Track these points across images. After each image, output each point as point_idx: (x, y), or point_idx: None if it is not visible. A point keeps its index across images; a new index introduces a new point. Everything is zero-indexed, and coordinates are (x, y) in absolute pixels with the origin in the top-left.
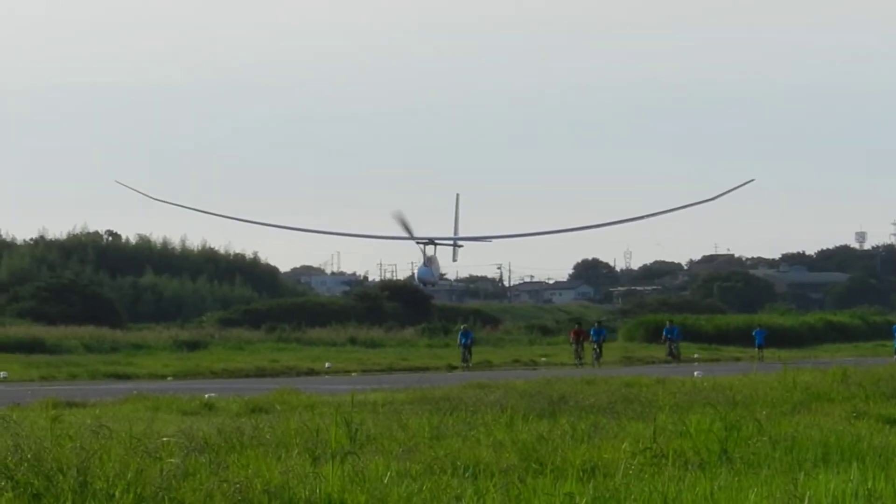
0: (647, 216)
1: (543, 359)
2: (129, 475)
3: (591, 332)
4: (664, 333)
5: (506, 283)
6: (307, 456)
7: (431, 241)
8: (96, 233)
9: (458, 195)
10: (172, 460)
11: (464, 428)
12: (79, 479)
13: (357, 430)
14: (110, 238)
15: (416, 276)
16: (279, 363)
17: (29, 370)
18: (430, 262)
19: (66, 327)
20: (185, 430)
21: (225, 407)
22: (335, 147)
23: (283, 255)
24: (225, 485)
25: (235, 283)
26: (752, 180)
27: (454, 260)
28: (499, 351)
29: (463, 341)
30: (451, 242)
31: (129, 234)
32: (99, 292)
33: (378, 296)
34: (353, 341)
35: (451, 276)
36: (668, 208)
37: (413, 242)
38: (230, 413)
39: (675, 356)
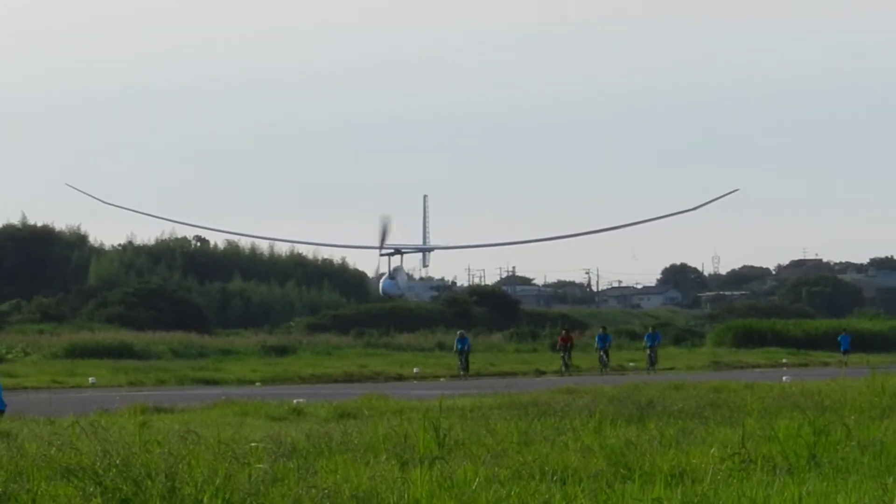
0: (626, 225)
1: (632, 364)
2: (217, 481)
3: (597, 339)
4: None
5: (594, 288)
6: (395, 461)
7: (398, 251)
8: (184, 238)
9: (425, 196)
10: (261, 466)
11: (552, 433)
12: (167, 485)
13: (445, 435)
14: (198, 243)
15: (380, 289)
16: (367, 368)
17: (117, 375)
18: (395, 273)
19: (155, 333)
20: (274, 436)
21: (313, 412)
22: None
23: (371, 260)
24: (313, 490)
25: (324, 288)
26: (736, 189)
27: (425, 265)
28: (587, 356)
29: (459, 347)
30: (419, 251)
31: (217, 239)
32: (187, 298)
33: (466, 301)
34: (441, 346)
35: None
36: (651, 217)
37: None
38: (318, 418)
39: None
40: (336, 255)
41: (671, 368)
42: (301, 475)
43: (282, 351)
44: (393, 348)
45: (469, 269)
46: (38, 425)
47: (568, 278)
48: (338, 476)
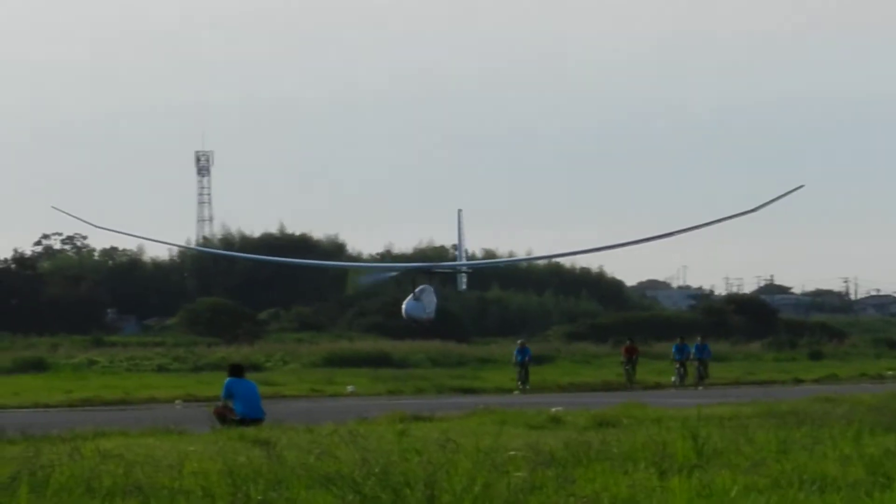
0: (679, 232)
1: (890, 372)
2: (476, 489)
3: (694, 349)
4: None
5: (852, 297)
6: (654, 470)
7: (429, 269)
8: (442, 247)
9: (459, 211)
10: (519, 474)
11: (810, 442)
12: (426, 493)
13: (704, 443)
14: (455, 252)
15: (403, 311)
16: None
17: (376, 384)
18: (420, 294)
19: (413, 342)
20: (532, 444)
21: (572, 421)
22: None
23: (628, 268)
24: (572, 499)
25: (581, 297)
26: (801, 186)
27: (460, 288)
28: (845, 365)
29: (519, 359)
30: (452, 269)
31: (475, 248)
32: (445, 307)
33: (724, 310)
34: None
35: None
36: (711, 220)
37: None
38: (577, 427)
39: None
40: (594, 264)
41: None
42: (560, 484)
43: (539, 360)
44: (652, 357)
45: (727, 278)
46: (297, 433)
47: (826, 286)
48: (596, 484)
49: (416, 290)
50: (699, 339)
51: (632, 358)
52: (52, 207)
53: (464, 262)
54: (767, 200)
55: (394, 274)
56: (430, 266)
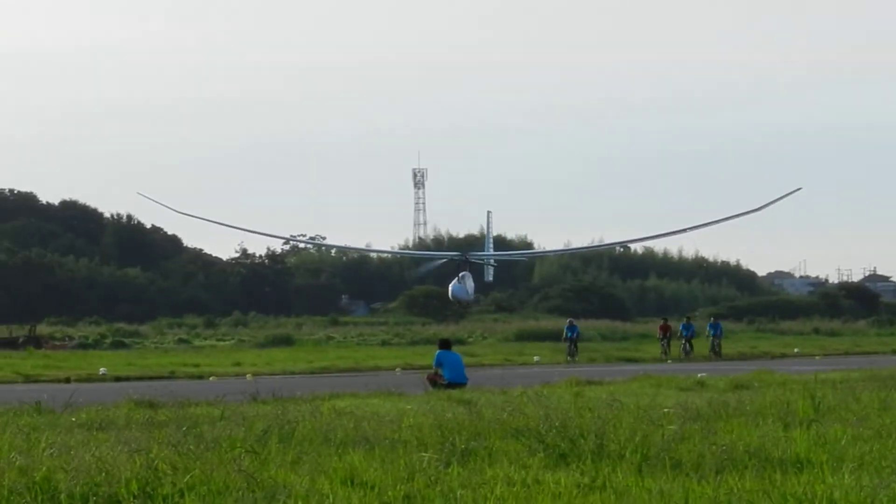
0: (691, 228)
1: None
2: (636, 439)
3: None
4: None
5: None
6: (779, 423)
7: (464, 259)
8: (611, 245)
9: (489, 212)
10: (671, 427)
11: None
12: (596, 442)
13: (820, 402)
14: (622, 249)
15: (450, 293)
16: (757, 349)
17: (557, 355)
18: (462, 279)
19: (586, 320)
20: (682, 403)
21: (714, 384)
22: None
23: (759, 261)
24: (713, 447)
25: (722, 284)
26: (799, 189)
27: (487, 279)
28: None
29: (569, 335)
30: (484, 261)
31: (636, 245)
32: (612, 293)
33: (836, 295)
34: (816, 331)
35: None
36: (715, 220)
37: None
38: (718, 389)
39: (686, 353)
40: (732, 257)
41: None
42: (704, 435)
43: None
44: (778, 332)
45: (839, 269)
46: (493, 395)
47: None
48: (733, 435)
49: (460, 275)
50: (712, 318)
51: (666, 335)
52: (138, 193)
53: (491, 253)
54: (769, 201)
55: (443, 261)
56: (466, 255)
